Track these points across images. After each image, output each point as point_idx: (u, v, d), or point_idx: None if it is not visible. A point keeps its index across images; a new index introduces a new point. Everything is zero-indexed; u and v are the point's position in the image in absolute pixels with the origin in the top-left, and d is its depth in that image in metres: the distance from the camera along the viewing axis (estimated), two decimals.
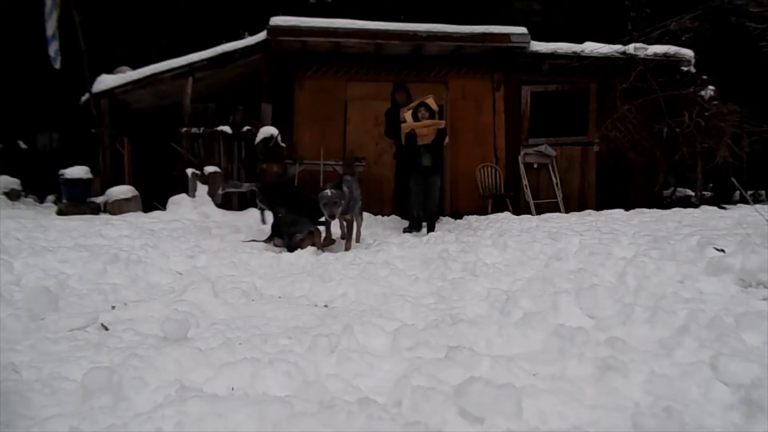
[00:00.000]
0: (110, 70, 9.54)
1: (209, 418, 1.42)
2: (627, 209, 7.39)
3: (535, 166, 9.50)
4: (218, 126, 8.85)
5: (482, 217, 7.89)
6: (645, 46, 9.30)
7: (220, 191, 6.96)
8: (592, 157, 9.64)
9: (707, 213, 6.46)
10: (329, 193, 5.00)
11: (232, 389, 1.69)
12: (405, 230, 6.74)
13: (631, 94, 9.04)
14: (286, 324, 2.55)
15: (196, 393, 1.58)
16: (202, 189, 8.36)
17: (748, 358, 1.74)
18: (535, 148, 9.49)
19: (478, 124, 9.44)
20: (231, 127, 8.88)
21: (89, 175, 8.80)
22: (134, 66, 9.51)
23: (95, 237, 5.07)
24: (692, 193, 9.94)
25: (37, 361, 1.95)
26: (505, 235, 5.07)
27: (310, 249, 4.75)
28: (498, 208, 8.64)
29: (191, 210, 7.75)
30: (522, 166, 9.43)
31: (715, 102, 9.18)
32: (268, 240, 5.34)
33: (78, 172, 8.70)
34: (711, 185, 10.81)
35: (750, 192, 10.67)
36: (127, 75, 9.29)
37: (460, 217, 8.20)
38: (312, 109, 9.26)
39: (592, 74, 9.49)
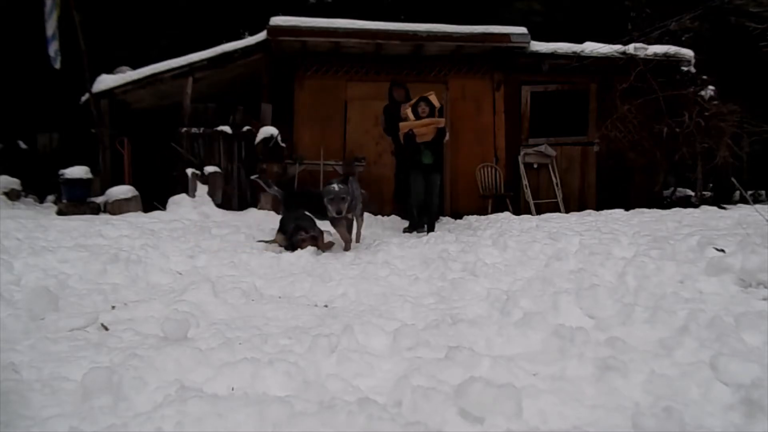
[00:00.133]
0: (110, 70, 9.54)
1: (209, 418, 1.42)
2: (627, 209, 7.39)
3: (535, 166, 9.50)
4: (218, 126, 8.86)
5: (482, 217, 7.90)
6: (645, 46, 9.30)
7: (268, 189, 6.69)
8: (592, 157, 9.64)
9: (707, 213, 6.46)
10: (336, 188, 4.84)
11: (232, 389, 1.69)
12: (405, 230, 6.74)
13: (631, 94, 9.04)
14: (286, 324, 2.55)
15: (196, 393, 1.58)
16: (202, 189, 8.36)
17: (748, 358, 1.74)
18: (535, 148, 9.49)
19: (478, 124, 9.44)
20: (231, 127, 8.88)
21: (89, 175, 8.80)
22: (134, 66, 9.51)
23: (95, 237, 5.06)
24: (692, 193, 9.94)
25: (37, 361, 1.95)
26: (505, 235, 5.07)
27: (310, 249, 4.74)
28: (498, 208, 8.64)
29: (191, 210, 7.75)
30: (522, 166, 9.43)
31: (715, 102, 9.18)
32: (272, 240, 5.26)
33: (78, 172, 8.70)
34: (711, 185, 10.81)
35: (750, 192, 10.67)
36: (127, 75, 9.29)
37: (460, 217, 8.20)
38: (312, 109, 9.26)
39: (592, 74, 9.50)
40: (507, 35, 8.97)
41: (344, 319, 2.55)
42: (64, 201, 8.59)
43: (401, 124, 6.47)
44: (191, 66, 9.01)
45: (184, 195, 8.21)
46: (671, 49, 9.38)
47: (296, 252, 4.57)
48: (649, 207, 7.91)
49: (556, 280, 3.12)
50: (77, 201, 8.47)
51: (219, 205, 8.24)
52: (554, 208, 8.95)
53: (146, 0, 13.39)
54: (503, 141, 9.57)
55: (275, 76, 9.25)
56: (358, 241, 5.59)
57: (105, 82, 9.19)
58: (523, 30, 9.05)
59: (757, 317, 2.10)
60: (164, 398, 1.57)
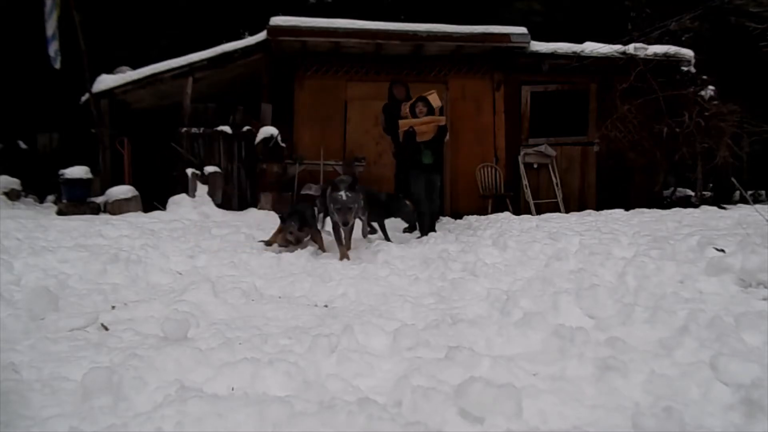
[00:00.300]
0: (110, 70, 9.54)
1: (209, 418, 1.42)
2: (627, 209, 7.38)
3: (535, 166, 9.50)
4: (218, 126, 8.86)
5: (482, 217, 7.89)
6: (645, 46, 9.30)
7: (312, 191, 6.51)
8: (592, 157, 9.64)
9: (707, 213, 6.46)
10: (344, 197, 4.47)
11: (232, 389, 1.69)
12: (405, 230, 6.72)
13: (631, 94, 9.05)
14: (286, 324, 2.55)
15: (196, 393, 1.58)
16: (202, 189, 8.37)
17: (748, 358, 1.74)
18: (535, 148, 9.49)
19: (478, 124, 9.44)
20: (231, 127, 8.88)
21: (89, 175, 8.80)
22: (134, 66, 9.51)
23: (95, 237, 5.07)
24: (692, 193, 9.94)
25: (37, 361, 1.95)
26: (505, 235, 5.07)
27: (310, 249, 4.74)
28: (498, 208, 8.63)
29: (191, 210, 7.75)
30: (522, 166, 9.43)
31: (715, 102, 9.19)
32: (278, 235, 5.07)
33: (78, 172, 8.70)
34: (711, 185, 10.81)
35: (750, 192, 10.67)
36: (127, 75, 9.29)
37: (460, 217, 8.20)
38: (312, 109, 9.26)
39: (592, 74, 9.50)
40: (507, 35, 8.97)
41: (344, 319, 2.55)
42: (64, 201, 8.59)
43: (401, 121, 6.35)
44: (191, 66, 9.01)
45: (184, 195, 8.21)
46: (671, 49, 9.38)
47: (296, 252, 4.57)
48: (649, 207, 7.91)
49: (556, 280, 3.12)
50: (77, 201, 8.47)
51: (219, 205, 8.24)
52: (554, 208, 8.94)
53: (146, 0, 13.39)
54: (503, 141, 9.57)
55: (275, 76, 9.25)
56: (365, 236, 5.59)
57: (105, 82, 9.20)
58: (523, 30, 9.05)
59: (757, 317, 2.10)
60: (164, 398, 1.57)
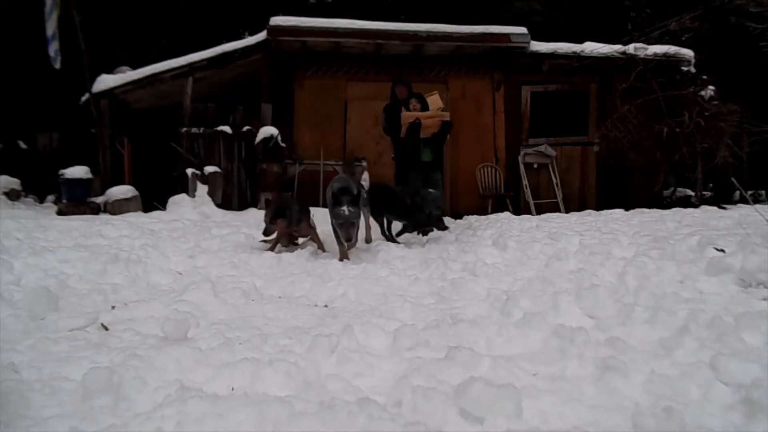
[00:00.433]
0: (110, 70, 9.55)
1: (209, 418, 1.42)
2: (627, 209, 7.38)
3: (535, 166, 9.50)
4: (218, 126, 8.86)
5: (482, 217, 7.88)
6: (645, 46, 9.31)
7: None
8: (592, 157, 9.65)
9: (707, 213, 6.45)
10: (346, 212, 4.26)
11: (232, 389, 1.69)
12: (402, 230, 6.63)
13: (631, 94, 9.05)
14: (286, 324, 2.55)
15: (196, 393, 1.58)
16: (202, 189, 8.37)
17: (748, 358, 1.74)
18: (535, 148, 9.50)
19: (478, 124, 9.45)
20: (231, 127, 8.88)
21: (89, 175, 8.80)
22: (134, 66, 9.52)
23: (95, 237, 5.06)
24: (692, 193, 9.94)
25: (37, 361, 1.95)
26: (505, 235, 5.06)
27: (310, 249, 4.74)
28: (498, 208, 8.64)
29: (191, 210, 7.75)
30: (522, 166, 9.44)
31: (715, 102, 9.19)
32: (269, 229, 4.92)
33: (78, 172, 8.70)
34: (711, 185, 10.82)
35: (750, 192, 10.68)
36: (127, 75, 9.30)
37: (460, 217, 8.19)
38: (312, 109, 9.27)
39: (592, 74, 9.50)
40: (507, 35, 8.98)
41: (344, 319, 2.54)
42: (64, 201, 8.59)
43: (405, 113, 6.17)
44: (191, 66, 9.01)
45: (184, 195, 8.21)
46: (671, 49, 9.39)
47: (296, 252, 4.57)
48: (649, 207, 7.91)
49: (556, 280, 3.12)
50: (77, 201, 8.47)
51: (219, 205, 8.24)
52: (554, 208, 8.95)
53: (146, 0, 13.39)
54: (503, 141, 9.58)
55: (275, 76, 9.25)
56: (369, 237, 5.34)
57: (105, 82, 9.20)
58: (523, 30, 9.05)
59: (757, 317, 2.10)
60: (164, 398, 1.57)
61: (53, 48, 8.76)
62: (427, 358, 1.92)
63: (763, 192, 11.67)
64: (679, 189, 10.70)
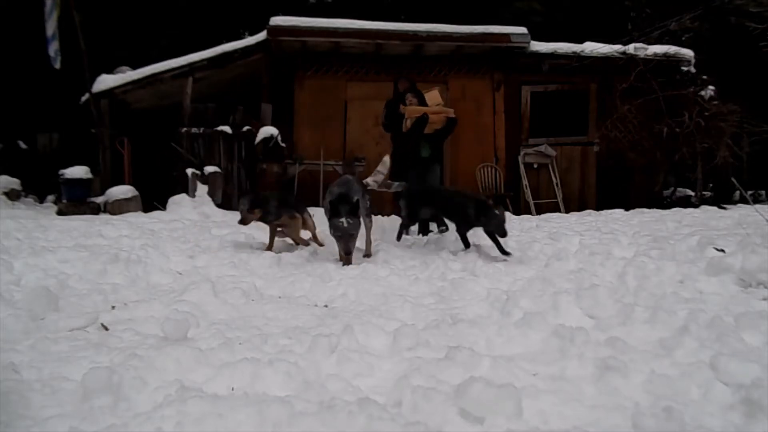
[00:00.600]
0: (110, 70, 9.55)
1: (209, 418, 1.42)
2: (627, 209, 7.39)
3: (535, 166, 9.50)
4: (218, 126, 8.86)
5: None
6: (645, 46, 9.31)
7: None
8: (592, 157, 9.65)
9: (707, 213, 6.46)
10: (345, 224, 4.00)
11: (232, 389, 1.69)
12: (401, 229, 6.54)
13: (631, 94, 9.05)
14: (286, 324, 2.55)
15: (196, 393, 1.58)
16: (202, 189, 8.36)
17: (748, 358, 1.74)
18: (535, 148, 9.50)
19: (478, 124, 9.45)
20: (231, 127, 8.88)
21: (89, 175, 8.80)
22: (134, 66, 9.52)
23: (95, 237, 5.06)
24: (692, 193, 9.94)
25: (37, 361, 1.95)
26: None
27: (310, 249, 4.74)
28: None
29: (191, 210, 7.75)
30: (522, 166, 9.44)
31: (715, 102, 9.20)
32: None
33: (78, 172, 8.70)
34: (711, 185, 10.82)
35: (750, 192, 10.68)
36: (127, 75, 9.30)
37: None
38: (312, 109, 9.27)
39: (592, 74, 9.50)
40: (507, 35, 8.98)
41: (344, 319, 2.54)
42: (64, 201, 8.59)
43: (411, 107, 5.98)
44: (191, 66, 9.01)
45: (184, 195, 8.21)
46: (671, 49, 9.39)
47: (296, 252, 4.57)
48: (649, 207, 7.92)
49: (556, 280, 3.12)
50: (77, 201, 8.47)
51: (219, 205, 8.23)
52: (554, 208, 8.95)
53: (146, 0, 13.39)
54: (503, 141, 9.58)
55: (275, 76, 9.25)
56: (368, 251, 4.65)
57: (105, 82, 9.20)
58: (523, 30, 9.05)
59: (757, 317, 2.10)
60: (164, 398, 1.57)
61: (53, 48, 8.76)
62: (427, 358, 1.92)
63: (763, 192, 11.67)
64: (679, 189, 10.70)
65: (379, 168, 5.14)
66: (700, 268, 2.99)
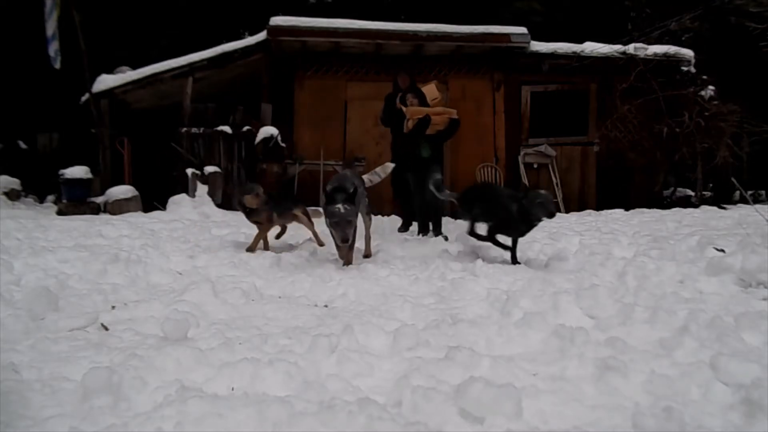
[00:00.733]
0: (110, 70, 9.55)
1: (209, 418, 1.42)
2: (627, 209, 7.39)
3: (535, 166, 9.51)
4: (218, 126, 8.86)
5: None
6: (645, 46, 9.31)
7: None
8: (592, 157, 9.65)
9: (707, 213, 6.46)
10: (342, 210, 3.87)
11: (232, 389, 1.69)
12: (399, 229, 6.56)
13: (631, 94, 9.06)
14: (286, 324, 2.55)
15: (196, 393, 1.58)
16: (202, 189, 8.37)
17: (748, 358, 1.74)
18: (535, 148, 9.50)
19: (478, 124, 9.45)
20: (231, 127, 8.89)
21: (89, 175, 8.81)
22: (134, 66, 9.52)
23: (95, 237, 5.06)
24: (692, 193, 9.95)
25: (37, 361, 1.95)
26: None
27: (310, 249, 4.74)
28: None
29: (191, 210, 7.75)
30: (522, 166, 9.44)
31: (715, 102, 9.20)
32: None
33: (78, 172, 8.71)
34: (711, 185, 10.82)
35: (750, 192, 10.67)
36: (127, 75, 9.30)
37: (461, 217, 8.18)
38: (312, 109, 9.27)
39: (592, 74, 9.50)
40: (507, 35, 8.98)
41: (344, 319, 2.54)
42: (64, 201, 8.59)
43: (412, 109, 5.87)
44: (191, 66, 9.02)
45: (184, 195, 8.21)
46: (671, 49, 9.39)
47: (296, 252, 4.57)
48: (649, 207, 7.92)
49: (556, 280, 3.13)
50: (77, 201, 8.47)
51: (219, 205, 8.24)
52: None
53: (146, 0, 13.40)
54: (503, 141, 9.58)
55: (275, 76, 9.25)
56: (368, 251, 4.61)
57: (105, 82, 9.20)
58: (523, 30, 9.05)
59: (757, 317, 2.10)
60: (164, 398, 1.57)
61: (53, 48, 8.76)
62: (427, 358, 1.92)
63: (763, 192, 11.67)
64: (679, 189, 10.70)
65: (377, 170, 5.10)
66: (700, 268, 3.00)
